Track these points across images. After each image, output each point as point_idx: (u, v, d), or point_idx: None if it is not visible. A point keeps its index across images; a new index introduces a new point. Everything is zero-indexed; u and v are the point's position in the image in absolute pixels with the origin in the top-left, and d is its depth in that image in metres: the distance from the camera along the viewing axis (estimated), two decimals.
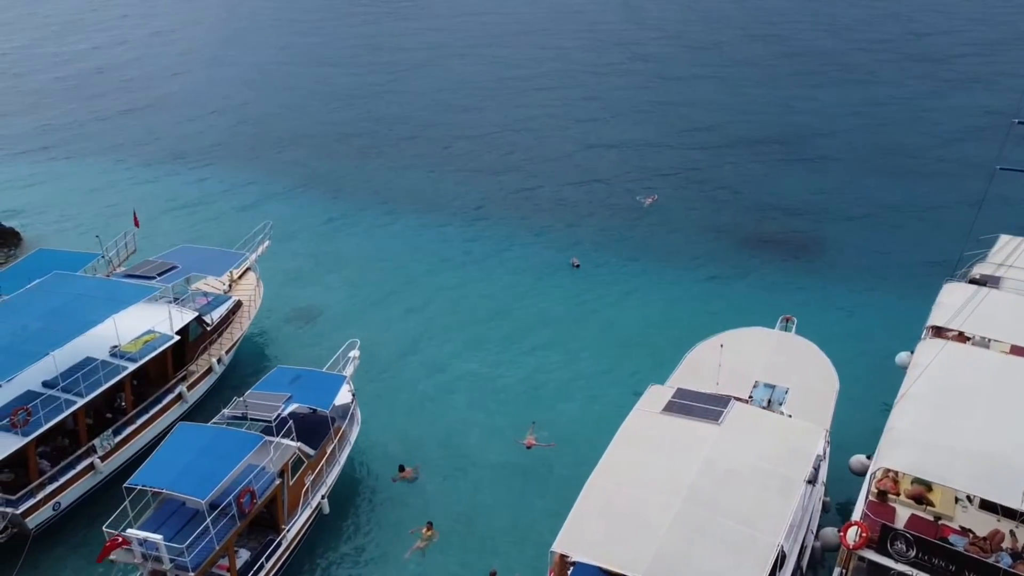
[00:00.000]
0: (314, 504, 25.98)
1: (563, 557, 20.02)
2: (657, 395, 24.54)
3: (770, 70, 75.03)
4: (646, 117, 64.15)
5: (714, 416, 22.96)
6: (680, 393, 24.31)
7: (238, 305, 35.20)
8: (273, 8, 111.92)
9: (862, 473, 24.58)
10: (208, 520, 21.94)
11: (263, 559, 23.82)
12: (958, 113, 62.78)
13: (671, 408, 23.62)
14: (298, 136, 62.74)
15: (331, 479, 26.96)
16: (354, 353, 30.60)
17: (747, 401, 24.91)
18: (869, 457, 24.43)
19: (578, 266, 41.98)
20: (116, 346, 29.20)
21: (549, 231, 46.59)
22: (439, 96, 71.06)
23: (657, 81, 73.35)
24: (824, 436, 23.28)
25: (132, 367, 28.61)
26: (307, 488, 25.72)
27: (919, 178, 51.88)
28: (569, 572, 20.00)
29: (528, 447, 29.89)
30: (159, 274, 33.01)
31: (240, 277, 37.49)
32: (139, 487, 22.71)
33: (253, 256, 37.70)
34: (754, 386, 26.10)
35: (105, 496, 27.99)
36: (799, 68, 75.51)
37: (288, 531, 24.89)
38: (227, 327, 34.16)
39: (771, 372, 26.86)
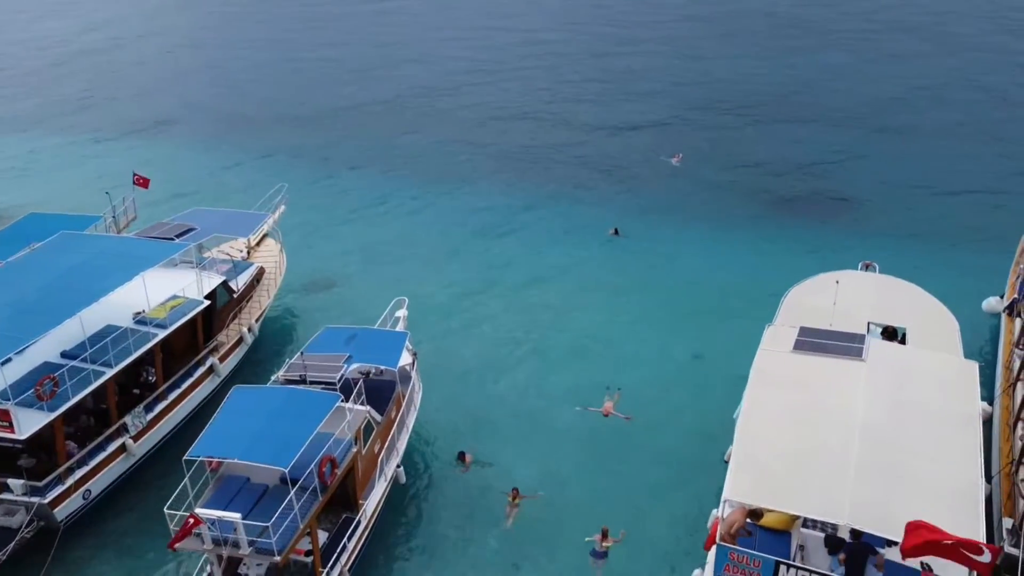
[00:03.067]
0: (389, 474, 22.81)
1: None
2: (779, 335, 21.92)
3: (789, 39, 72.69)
4: (665, 85, 61.28)
5: (855, 352, 20.41)
6: (806, 332, 21.73)
7: (261, 272, 31.71)
8: None
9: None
10: (292, 493, 18.64)
11: (345, 540, 20.60)
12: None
13: (802, 347, 21.01)
14: (308, 111, 58.70)
15: (402, 447, 23.81)
16: (402, 313, 27.33)
17: None
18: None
19: (617, 234, 39.13)
20: (141, 312, 25.59)
21: (582, 199, 43.43)
22: (457, 68, 67.45)
23: (674, 50, 70.48)
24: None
25: (163, 333, 25.08)
26: (380, 457, 22.54)
27: (956, 139, 49.83)
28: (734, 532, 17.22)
29: (605, 415, 27.01)
30: (177, 236, 29.37)
31: (258, 244, 33.97)
32: (201, 459, 19.34)
33: (271, 220, 34.16)
34: (867, 328, 23.63)
35: (137, 483, 24.55)
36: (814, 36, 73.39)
37: (366, 506, 21.69)
38: (253, 294, 30.66)
39: (882, 313, 24.45)
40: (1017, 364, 24.17)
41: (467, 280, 35.82)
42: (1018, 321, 26.01)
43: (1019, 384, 23.26)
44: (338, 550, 20.30)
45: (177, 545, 18.55)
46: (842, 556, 16.41)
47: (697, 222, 40.48)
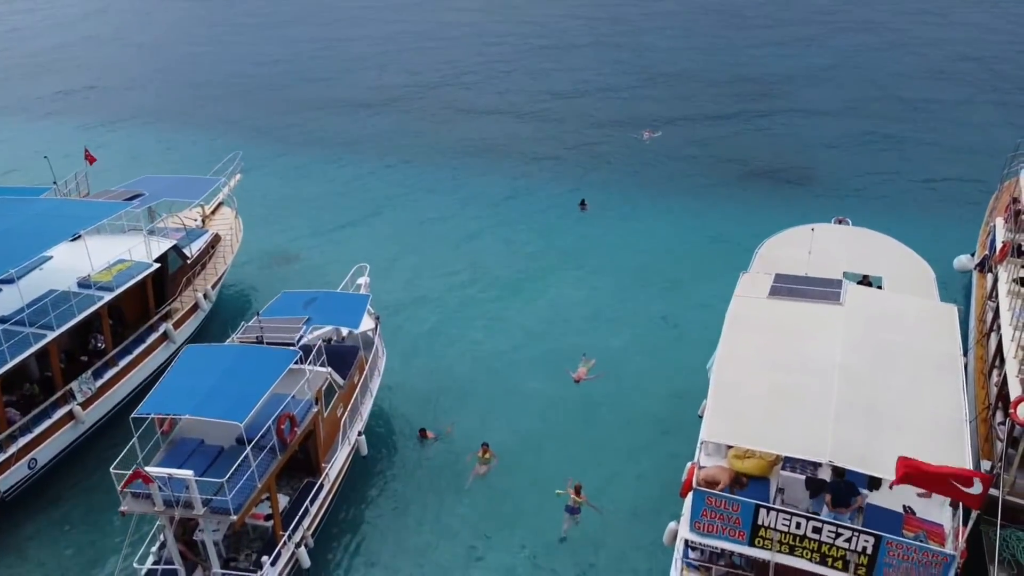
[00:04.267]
0: (353, 438, 21.84)
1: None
2: (753, 282, 21.28)
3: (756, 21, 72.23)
4: (635, 67, 60.35)
5: (832, 297, 19.83)
6: (781, 278, 21.12)
7: (217, 239, 30.46)
8: None
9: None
10: (248, 450, 17.61)
11: (307, 503, 19.61)
12: None
13: (778, 292, 20.38)
14: (270, 96, 56.66)
15: (366, 412, 22.84)
16: (364, 280, 26.16)
17: None
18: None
19: (584, 206, 38.24)
20: (86, 276, 24.29)
21: (551, 175, 42.33)
22: (426, 47, 66.10)
23: (646, 33, 69.66)
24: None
25: (108, 296, 23.80)
26: (344, 420, 21.56)
27: (913, 115, 49.87)
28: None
29: (577, 381, 26.29)
30: (125, 201, 27.96)
31: (213, 212, 32.68)
32: (151, 417, 18.21)
33: (226, 188, 32.92)
34: (843, 277, 23.10)
35: (89, 454, 23.32)
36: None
37: (329, 470, 20.71)
38: (209, 260, 29.42)
39: (858, 262, 23.93)
40: (990, 316, 24.09)
41: (433, 255, 34.75)
42: (989, 276, 26.10)
43: (992, 335, 23.15)
44: (300, 513, 19.32)
45: (125, 508, 17.46)
46: (828, 498, 15.80)
47: (666, 193, 39.81)
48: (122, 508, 17.51)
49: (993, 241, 26.90)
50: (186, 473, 16.89)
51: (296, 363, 19.51)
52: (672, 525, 18.22)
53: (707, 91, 53.86)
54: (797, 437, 15.65)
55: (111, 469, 17.56)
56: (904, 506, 16.72)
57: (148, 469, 16.94)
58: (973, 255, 29.82)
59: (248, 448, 17.58)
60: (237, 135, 47.32)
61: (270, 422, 18.18)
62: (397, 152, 45.75)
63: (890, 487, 15.44)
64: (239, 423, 17.19)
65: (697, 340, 26.26)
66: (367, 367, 23.42)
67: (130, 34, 74.71)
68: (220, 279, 29.42)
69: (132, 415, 17.94)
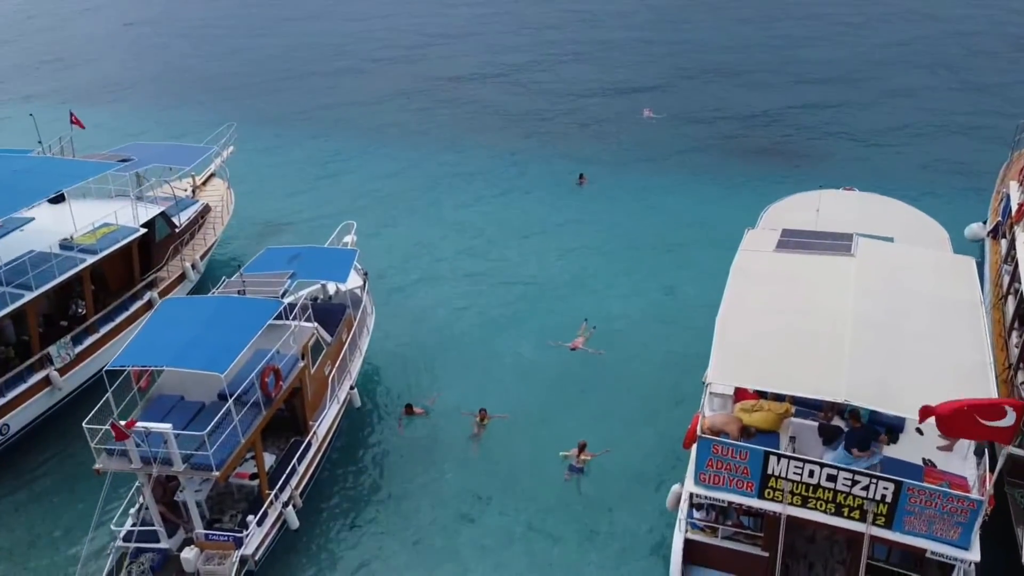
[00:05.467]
0: (342, 397, 20.93)
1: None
2: (760, 237, 20.36)
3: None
4: (638, 45, 59.40)
5: (843, 248, 18.89)
6: (789, 232, 20.20)
7: (207, 210, 29.61)
8: None
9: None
10: (230, 402, 16.69)
11: (295, 461, 18.70)
12: None
13: (786, 246, 19.44)
14: (263, 73, 56.00)
15: (355, 370, 21.94)
16: (351, 238, 25.19)
17: None
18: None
19: (583, 180, 37.40)
20: (68, 238, 23.43)
21: (550, 151, 41.47)
22: (421, 25, 65.24)
23: (650, 13, 68.81)
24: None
25: (91, 259, 22.94)
26: (332, 378, 20.65)
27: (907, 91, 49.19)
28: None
29: (573, 349, 25.42)
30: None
31: (204, 183, 31.84)
32: (128, 370, 17.30)
33: (218, 159, 32.10)
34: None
35: (66, 422, 22.35)
36: None
37: (318, 428, 19.80)
38: (198, 230, 28.57)
39: (868, 224, 22.77)
40: (1006, 280, 23.36)
41: (428, 226, 33.89)
42: (1003, 241, 25.51)
43: (1009, 298, 22.35)
44: (287, 472, 18.39)
45: (100, 466, 16.54)
46: (856, 451, 14.81)
47: (667, 169, 38.84)
48: (97, 466, 16.61)
49: (1007, 205, 26.17)
50: (165, 427, 15.99)
51: (280, 317, 18.62)
52: (676, 487, 17.32)
53: (710, 67, 53.09)
54: (810, 377, 14.70)
55: (84, 424, 16.60)
56: (924, 459, 15.80)
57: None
58: (984, 223, 29.04)
59: (230, 401, 16.64)
60: (232, 110, 46.35)
61: (253, 375, 17.27)
62: (393, 126, 45.00)
63: (919, 424, 14.37)
64: (220, 374, 16.28)
65: (700, 308, 25.30)
66: (356, 324, 22.53)
67: (125, 11, 74.14)
68: (210, 250, 28.59)
69: (106, 367, 17.01)
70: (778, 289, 17.58)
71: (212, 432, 16.36)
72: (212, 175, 32.08)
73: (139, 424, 15.99)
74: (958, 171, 37.05)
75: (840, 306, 16.54)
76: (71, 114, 32.13)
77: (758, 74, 51.96)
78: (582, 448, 20.32)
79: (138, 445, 16.20)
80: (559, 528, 19.11)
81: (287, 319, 19.51)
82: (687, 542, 16.25)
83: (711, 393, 16.12)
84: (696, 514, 16.71)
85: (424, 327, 26.88)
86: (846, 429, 15.33)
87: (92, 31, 69.44)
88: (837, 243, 19.21)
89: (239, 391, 17.09)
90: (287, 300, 19.92)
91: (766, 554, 15.99)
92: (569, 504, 19.76)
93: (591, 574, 18.11)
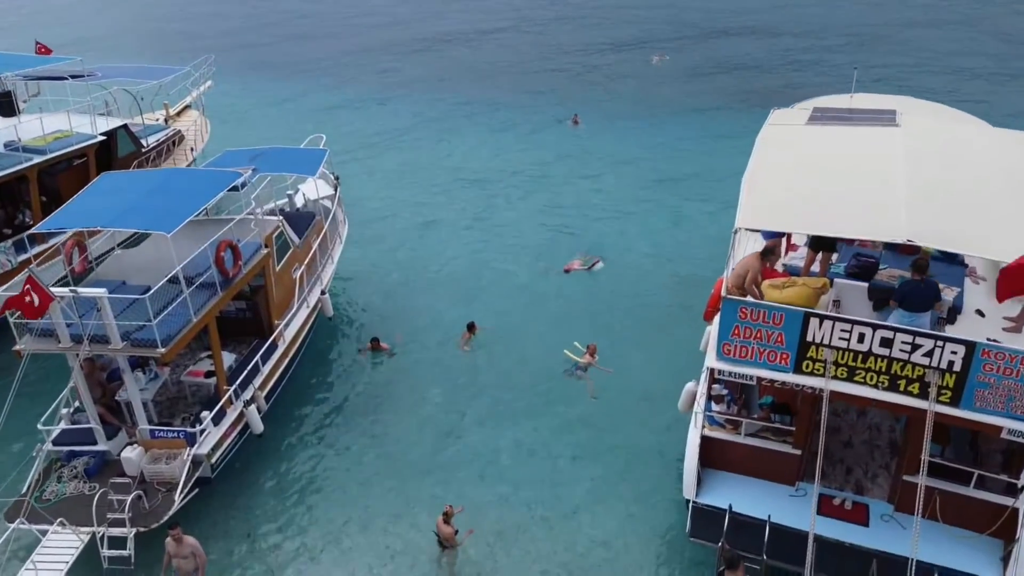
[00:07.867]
0: (312, 301, 18.54)
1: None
2: (788, 114, 17.88)
3: None
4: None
5: (887, 120, 16.45)
6: (821, 109, 17.76)
7: (180, 137, 27.37)
8: None
9: None
10: (181, 280, 14.27)
11: (257, 359, 16.27)
12: None
13: (819, 119, 16.98)
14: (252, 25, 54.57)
15: (327, 277, 19.57)
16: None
17: None
18: None
19: (578, 122, 35.43)
20: (15, 140, 21.12)
21: (547, 93, 39.91)
22: None
23: None
24: None
25: (38, 159, 20.61)
26: (301, 278, 18.29)
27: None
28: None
29: (566, 271, 23.16)
30: (71, 76, 24.94)
31: (179, 114, 29.62)
32: (56, 230, 14.93)
33: (195, 91, 29.91)
34: None
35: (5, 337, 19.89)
36: None
37: (284, 329, 17.39)
38: (167, 155, 26.29)
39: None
40: None
41: (414, 162, 32.09)
42: None
43: None
44: (248, 370, 15.96)
45: (20, 347, 14.06)
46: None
47: (673, 112, 37.26)
48: (17, 347, 14.13)
49: None
50: (98, 291, 13.50)
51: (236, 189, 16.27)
52: (690, 384, 14.78)
53: (721, 24, 51.75)
54: (862, 216, 12.26)
55: None
56: (988, 338, 13.33)
57: (54, 290, 13.46)
58: None
59: (182, 281, 14.21)
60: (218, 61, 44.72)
61: (207, 246, 14.89)
62: (388, 72, 43.79)
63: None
64: (167, 233, 13.85)
65: (701, 240, 24.08)
66: (325, 228, 20.22)
67: None
68: None
69: (28, 232, 14.60)
70: (814, 152, 15.17)
71: (156, 302, 13.87)
72: (187, 107, 29.88)
73: (65, 290, 13.50)
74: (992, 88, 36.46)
75: (890, 170, 13.87)
76: (37, 43, 29.88)
77: (775, 26, 50.50)
78: (592, 351, 17.98)
79: (69, 326, 13.75)
80: (558, 448, 16.68)
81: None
82: (704, 440, 13.76)
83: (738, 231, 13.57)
84: (715, 407, 14.28)
85: (409, 255, 24.70)
86: (905, 281, 12.80)
87: None
88: (879, 115, 16.79)
89: (192, 274, 14.75)
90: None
91: (797, 451, 13.56)
92: (568, 420, 17.42)
93: (592, 489, 15.65)
